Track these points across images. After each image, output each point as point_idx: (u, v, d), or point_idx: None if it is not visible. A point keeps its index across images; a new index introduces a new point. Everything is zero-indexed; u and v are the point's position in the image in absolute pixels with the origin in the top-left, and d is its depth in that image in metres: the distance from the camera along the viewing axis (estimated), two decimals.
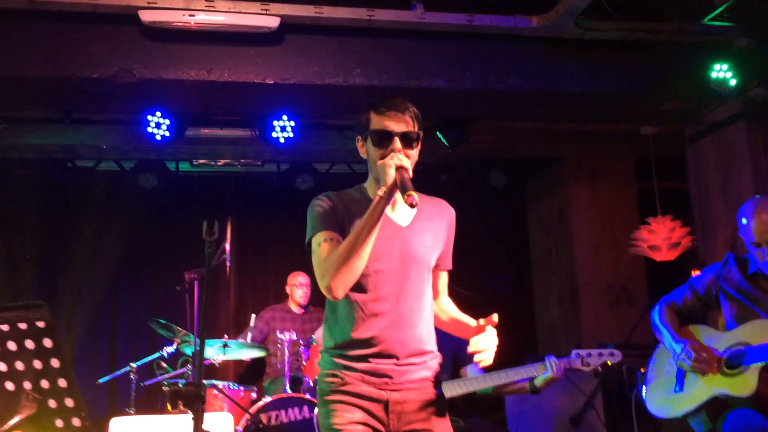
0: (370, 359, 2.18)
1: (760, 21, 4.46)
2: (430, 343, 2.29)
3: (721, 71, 4.67)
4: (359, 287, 2.18)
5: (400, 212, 2.27)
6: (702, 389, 2.93)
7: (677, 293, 3.24)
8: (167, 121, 5.10)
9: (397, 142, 2.16)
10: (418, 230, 2.26)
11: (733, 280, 3.03)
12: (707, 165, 5.34)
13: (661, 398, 3.10)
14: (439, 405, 2.26)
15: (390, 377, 2.18)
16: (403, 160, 2.10)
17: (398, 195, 2.17)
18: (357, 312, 2.19)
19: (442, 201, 2.39)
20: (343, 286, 2.09)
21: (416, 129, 2.21)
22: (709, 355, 2.94)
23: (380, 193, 2.07)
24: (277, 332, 4.96)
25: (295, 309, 5.89)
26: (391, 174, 2.06)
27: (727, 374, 2.88)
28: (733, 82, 4.67)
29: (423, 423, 2.20)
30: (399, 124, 2.18)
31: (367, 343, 2.18)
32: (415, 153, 2.21)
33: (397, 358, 2.19)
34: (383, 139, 2.17)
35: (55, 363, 1.80)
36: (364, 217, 2.09)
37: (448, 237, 2.35)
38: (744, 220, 2.96)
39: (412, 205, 2.02)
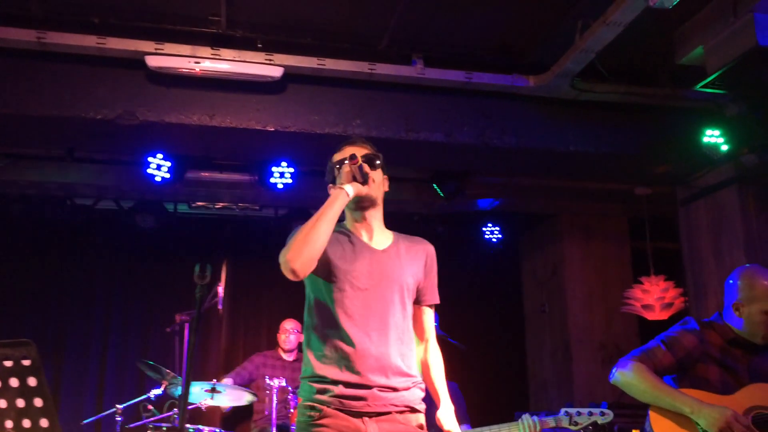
0: (346, 379, 2.19)
1: (751, 89, 4.57)
2: (411, 366, 2.32)
3: (713, 137, 4.77)
4: (335, 304, 2.25)
5: (377, 240, 2.40)
6: None
7: (653, 353, 3.03)
8: (168, 163, 5.16)
9: (359, 160, 2.32)
10: (393, 254, 2.37)
11: (715, 345, 3.02)
12: (699, 227, 5.39)
13: None
14: None
15: (365, 399, 2.18)
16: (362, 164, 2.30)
17: (375, 226, 2.38)
18: (333, 330, 2.25)
19: (420, 238, 2.50)
20: (299, 257, 2.16)
21: (375, 153, 2.39)
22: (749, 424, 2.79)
23: (339, 184, 2.29)
24: (266, 378, 4.92)
25: (285, 356, 5.85)
26: (346, 169, 2.28)
27: None
28: (724, 148, 4.76)
29: None
30: (358, 149, 2.37)
31: (343, 361, 2.21)
32: (377, 174, 2.36)
33: (374, 378, 2.20)
34: (345, 162, 2.34)
35: (38, 402, 1.80)
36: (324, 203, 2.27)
37: (428, 268, 2.44)
38: (735, 283, 2.99)
39: (355, 163, 2.25)
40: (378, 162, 2.37)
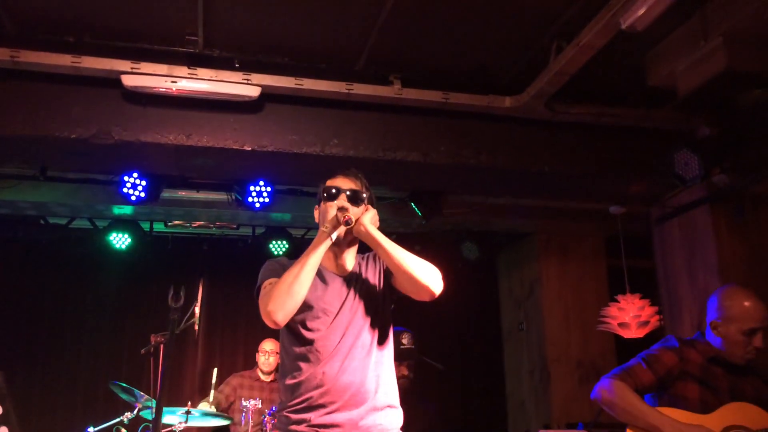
0: (320, 407, 2.19)
1: (721, 111, 4.66)
2: (388, 391, 2.31)
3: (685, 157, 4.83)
4: (309, 333, 2.27)
5: (346, 265, 2.44)
6: None
7: (633, 371, 3.06)
8: (143, 183, 5.11)
9: (344, 198, 2.37)
10: (360, 276, 2.42)
11: (695, 363, 3.04)
12: (673, 247, 5.45)
13: None
14: None
15: (341, 427, 2.17)
16: (346, 206, 2.34)
17: (345, 252, 2.41)
18: (307, 358, 2.25)
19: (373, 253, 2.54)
20: (282, 309, 2.16)
21: (363, 190, 2.42)
22: None
23: (323, 228, 2.29)
24: (242, 400, 4.87)
25: (263, 377, 5.79)
26: (332, 212, 2.30)
27: None
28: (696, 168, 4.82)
29: None
30: (347, 183, 2.42)
31: (319, 389, 2.20)
32: (359, 211, 2.39)
33: (350, 404, 2.20)
34: (332, 194, 2.38)
35: (3, 431, 1.77)
36: (307, 249, 2.26)
37: (382, 265, 2.48)
38: (715, 303, 3.03)
39: (347, 223, 2.27)
40: (362, 199, 2.42)
